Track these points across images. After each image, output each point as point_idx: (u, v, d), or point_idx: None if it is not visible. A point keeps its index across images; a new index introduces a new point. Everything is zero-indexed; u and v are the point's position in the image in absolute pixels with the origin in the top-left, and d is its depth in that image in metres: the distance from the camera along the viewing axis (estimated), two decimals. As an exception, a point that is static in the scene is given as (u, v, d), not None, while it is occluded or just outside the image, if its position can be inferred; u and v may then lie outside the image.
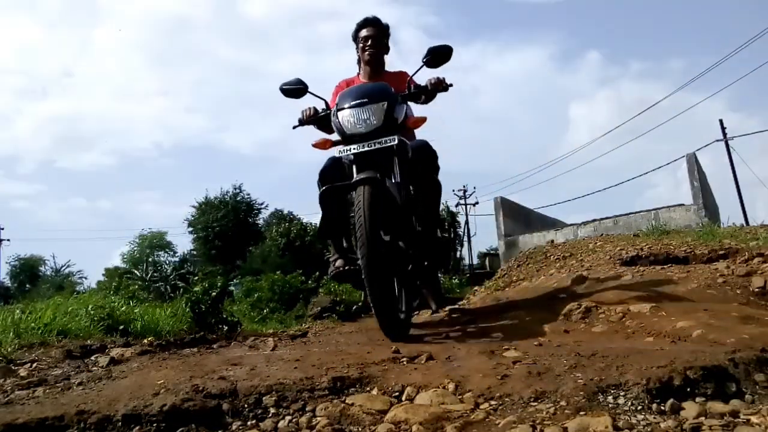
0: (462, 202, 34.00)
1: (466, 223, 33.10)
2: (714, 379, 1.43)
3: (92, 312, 3.44)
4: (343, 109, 2.69)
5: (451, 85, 2.98)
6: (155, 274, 24.72)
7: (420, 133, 3.19)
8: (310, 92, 3.04)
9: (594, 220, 13.80)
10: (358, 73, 3.35)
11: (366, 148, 2.54)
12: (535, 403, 1.35)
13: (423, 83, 3.00)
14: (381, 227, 2.41)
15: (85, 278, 36.29)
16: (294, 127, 3.11)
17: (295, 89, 3.01)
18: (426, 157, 2.90)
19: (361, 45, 3.28)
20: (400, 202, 2.54)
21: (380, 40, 3.27)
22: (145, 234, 35.11)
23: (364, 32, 3.26)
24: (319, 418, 1.38)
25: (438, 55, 2.85)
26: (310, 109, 3.07)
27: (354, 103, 2.68)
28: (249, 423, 1.40)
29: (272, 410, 1.44)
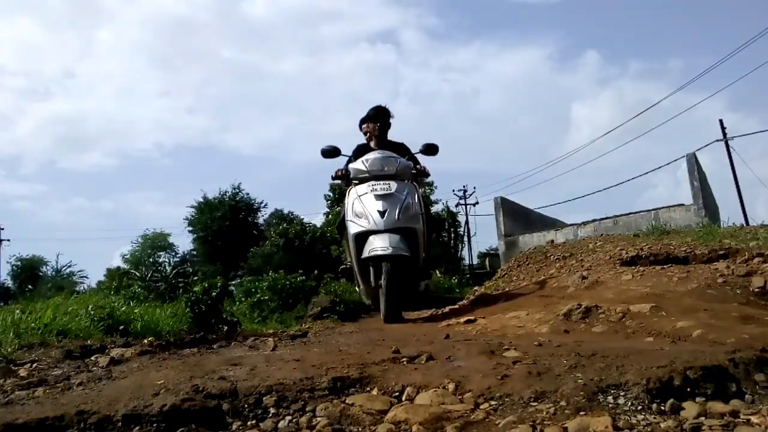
0: (462, 202, 34.00)
1: (466, 223, 33.11)
2: (714, 379, 1.43)
3: (92, 312, 3.44)
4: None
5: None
6: (155, 275, 24.71)
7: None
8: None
9: (594, 220, 13.79)
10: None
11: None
12: (535, 403, 1.35)
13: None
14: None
15: (86, 278, 36.30)
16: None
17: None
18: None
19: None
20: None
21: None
22: (147, 234, 35.14)
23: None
24: (319, 418, 1.38)
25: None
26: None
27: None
28: (249, 423, 1.40)
29: (272, 410, 1.44)
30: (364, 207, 3.71)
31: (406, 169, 3.96)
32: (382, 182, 3.77)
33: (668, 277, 3.55)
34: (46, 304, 3.85)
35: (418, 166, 4.15)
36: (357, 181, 3.92)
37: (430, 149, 4.11)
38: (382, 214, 3.64)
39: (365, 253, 3.61)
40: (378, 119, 4.34)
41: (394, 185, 3.75)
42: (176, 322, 3.82)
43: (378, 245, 3.54)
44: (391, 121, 4.36)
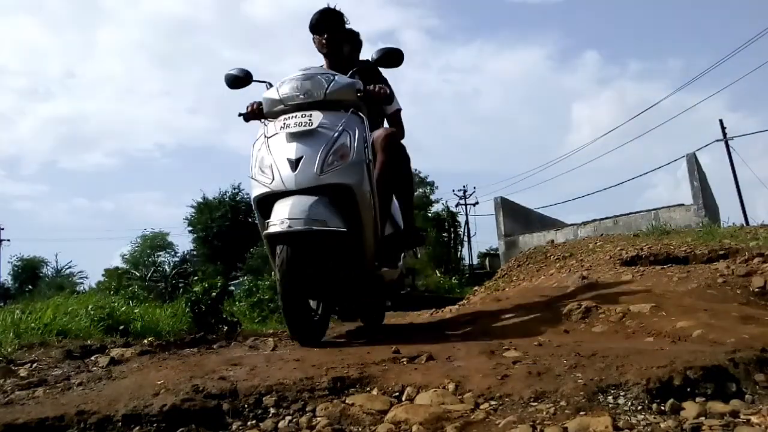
0: (462, 202, 34.04)
1: (466, 223, 33.16)
2: (714, 379, 1.43)
3: (92, 312, 3.44)
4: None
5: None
6: (155, 274, 24.73)
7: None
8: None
9: (594, 220, 13.81)
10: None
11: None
12: (535, 403, 1.35)
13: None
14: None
15: (86, 278, 36.35)
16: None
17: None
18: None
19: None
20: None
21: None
22: (146, 234, 35.18)
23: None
24: (319, 418, 1.38)
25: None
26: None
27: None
28: (249, 423, 1.40)
29: (272, 410, 1.44)
30: (272, 155, 2.41)
31: (345, 90, 2.56)
32: (300, 114, 2.44)
33: (668, 277, 3.55)
34: (46, 304, 3.85)
35: (369, 87, 2.66)
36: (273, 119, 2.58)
37: (389, 57, 2.73)
38: (294, 164, 2.34)
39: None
40: (324, 29, 2.96)
41: (318, 117, 2.42)
42: (176, 322, 3.82)
43: (276, 216, 2.27)
44: (348, 27, 3.10)
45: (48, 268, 37.79)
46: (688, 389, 1.40)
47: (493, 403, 1.39)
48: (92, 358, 2.44)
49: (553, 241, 11.75)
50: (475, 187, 34.97)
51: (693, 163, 12.61)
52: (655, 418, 1.25)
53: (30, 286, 32.44)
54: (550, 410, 1.30)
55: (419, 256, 3.36)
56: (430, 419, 1.29)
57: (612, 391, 1.39)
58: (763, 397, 1.39)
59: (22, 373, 2.08)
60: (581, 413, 1.26)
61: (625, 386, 1.40)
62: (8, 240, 36.96)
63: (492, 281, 8.03)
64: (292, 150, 2.38)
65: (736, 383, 1.44)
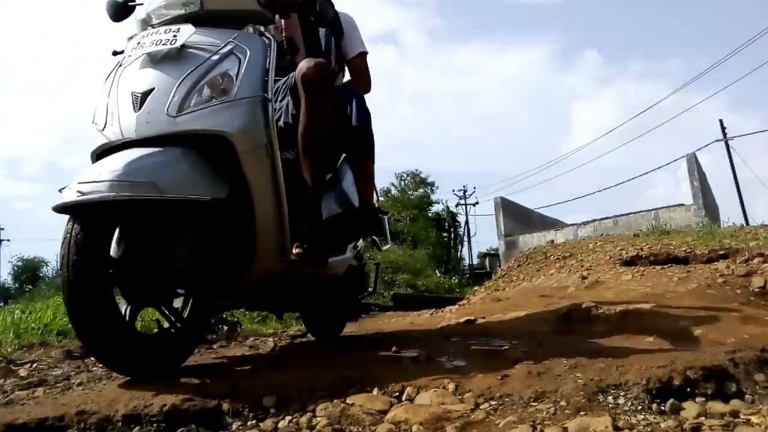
0: (462, 202, 34.03)
1: (466, 223, 33.16)
2: (714, 379, 1.44)
3: (92, 312, 3.43)
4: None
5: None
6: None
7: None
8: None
9: (594, 220, 13.82)
10: None
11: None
12: (535, 403, 1.35)
13: None
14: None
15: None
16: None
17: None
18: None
19: None
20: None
21: None
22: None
23: None
24: (319, 418, 1.38)
25: None
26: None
27: None
28: (249, 423, 1.40)
29: (272, 410, 1.44)
30: (116, 89, 1.69)
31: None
32: (164, 29, 1.70)
33: (668, 277, 3.55)
34: (46, 304, 3.85)
35: None
36: None
37: None
38: (139, 100, 1.61)
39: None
40: None
41: (188, 32, 1.65)
42: (176, 322, 3.81)
43: (74, 181, 1.53)
44: None
45: (48, 268, 37.73)
46: (688, 389, 1.40)
47: (493, 403, 1.39)
48: (92, 358, 2.43)
49: (553, 241, 11.76)
50: (475, 187, 35.01)
51: (693, 163, 12.62)
52: (655, 418, 1.25)
53: (30, 286, 32.40)
54: (550, 410, 1.30)
55: (384, 247, 2.50)
56: (430, 419, 1.29)
57: (612, 391, 1.39)
58: (763, 397, 1.39)
59: (22, 373, 2.08)
60: (581, 413, 1.26)
61: (625, 386, 1.40)
62: (8, 240, 37.05)
63: (492, 281, 8.03)
64: (142, 80, 1.64)
65: (736, 383, 1.44)
